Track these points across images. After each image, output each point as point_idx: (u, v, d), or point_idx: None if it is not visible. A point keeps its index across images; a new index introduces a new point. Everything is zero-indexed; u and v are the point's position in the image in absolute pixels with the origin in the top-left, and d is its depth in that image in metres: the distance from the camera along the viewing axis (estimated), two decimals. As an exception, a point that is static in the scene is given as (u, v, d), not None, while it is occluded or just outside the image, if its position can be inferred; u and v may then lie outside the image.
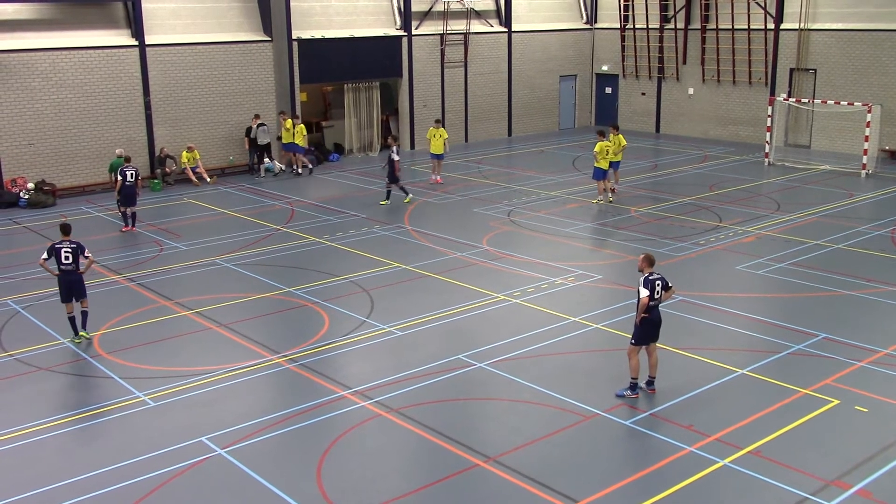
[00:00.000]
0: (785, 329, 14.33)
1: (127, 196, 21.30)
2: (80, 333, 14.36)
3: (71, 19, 25.81)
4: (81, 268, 14.17)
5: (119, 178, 21.18)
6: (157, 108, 27.04)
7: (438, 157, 26.65)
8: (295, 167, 28.41)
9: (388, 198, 23.98)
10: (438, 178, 26.65)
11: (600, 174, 23.28)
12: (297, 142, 28.04)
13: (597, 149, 23.15)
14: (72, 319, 14.31)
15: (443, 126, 27.24)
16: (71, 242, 14.27)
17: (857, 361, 12.96)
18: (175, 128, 27.47)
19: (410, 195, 24.07)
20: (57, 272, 14.14)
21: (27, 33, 24.93)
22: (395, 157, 23.52)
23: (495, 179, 27.24)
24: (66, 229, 14.59)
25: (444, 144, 26.58)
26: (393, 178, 23.71)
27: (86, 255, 14.24)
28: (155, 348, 13.98)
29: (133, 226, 21.58)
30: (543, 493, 9.60)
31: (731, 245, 19.30)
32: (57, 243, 14.23)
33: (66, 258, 14.08)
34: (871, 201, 23.71)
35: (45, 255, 14.09)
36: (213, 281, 17.45)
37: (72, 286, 14.15)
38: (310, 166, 28.69)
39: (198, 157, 27.13)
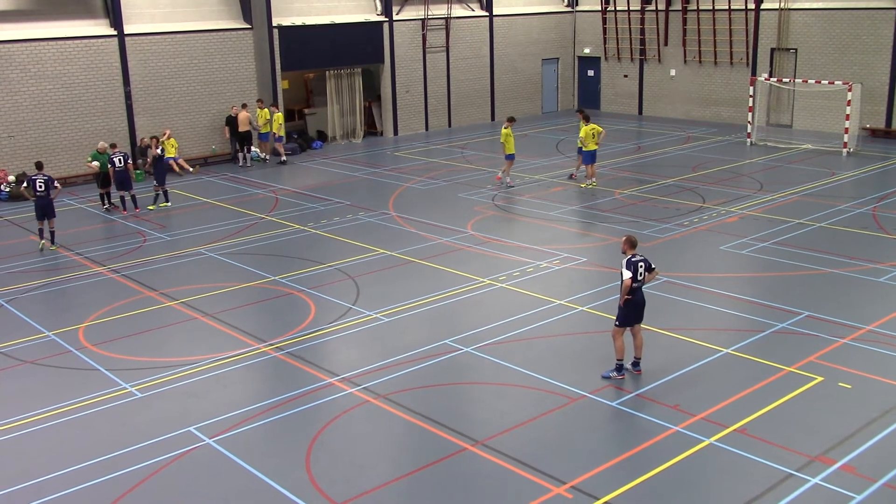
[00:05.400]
0: (769, 308, 14.43)
1: (120, 181, 21.86)
2: (46, 243, 18.82)
3: (49, 9, 25.56)
4: (52, 194, 18.70)
5: (109, 165, 21.81)
6: (138, 98, 26.86)
7: (511, 157, 23.75)
8: (270, 154, 28.52)
9: (166, 199, 22.65)
10: (510, 179, 23.99)
11: (588, 157, 23.33)
12: (274, 130, 27.92)
13: (582, 133, 23.20)
14: (41, 231, 18.90)
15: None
16: (43, 175, 18.85)
17: (841, 338, 13.07)
18: (156, 117, 27.29)
19: (168, 203, 22.67)
20: (33, 197, 18.70)
21: (4, 24, 24.65)
22: (154, 155, 22.40)
23: (479, 164, 27.23)
24: (39, 165, 19.41)
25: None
26: (161, 179, 22.52)
27: (55, 184, 18.90)
28: (141, 339, 13.94)
29: (137, 207, 22.23)
30: (532, 476, 9.66)
31: (715, 225, 19.38)
32: (33, 176, 18.86)
33: (40, 187, 18.60)
34: (853, 179, 23.85)
35: (24, 184, 18.84)
36: (198, 271, 17.40)
37: (44, 208, 18.65)
38: (283, 157, 28.39)
39: (175, 144, 26.96)
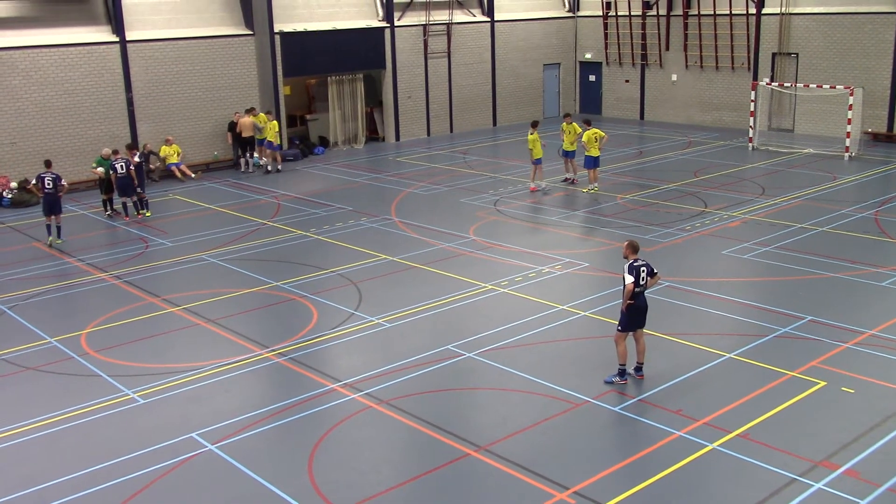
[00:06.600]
0: (771, 312, 14.41)
1: (122, 187, 21.90)
2: (55, 240, 19.69)
3: (50, 16, 25.62)
4: (61, 192, 19.78)
5: (111, 172, 21.85)
6: (140, 105, 26.90)
7: (539, 161, 23.75)
8: (270, 162, 28.17)
9: (136, 209, 22.31)
10: (534, 185, 23.93)
11: (591, 162, 23.31)
12: (269, 138, 27.74)
13: (584, 138, 23.22)
14: (48, 227, 19.89)
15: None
16: (52, 173, 19.95)
17: (843, 343, 13.05)
18: (158, 124, 27.33)
19: (128, 214, 22.34)
20: (42, 193, 19.76)
21: (6, 31, 24.73)
22: (133, 163, 21.96)
23: (481, 169, 27.24)
24: (48, 163, 20.49)
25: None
26: (141, 186, 22.29)
27: (62, 183, 19.93)
28: (143, 345, 13.94)
29: (138, 212, 22.30)
30: (534, 481, 9.64)
31: (717, 230, 19.37)
32: (42, 173, 19.90)
33: (49, 184, 19.62)
34: (855, 184, 23.83)
35: (34, 181, 20.45)
36: (200, 277, 17.40)
37: (52, 204, 19.61)
38: (279, 166, 28.09)
39: (178, 151, 26.97)
